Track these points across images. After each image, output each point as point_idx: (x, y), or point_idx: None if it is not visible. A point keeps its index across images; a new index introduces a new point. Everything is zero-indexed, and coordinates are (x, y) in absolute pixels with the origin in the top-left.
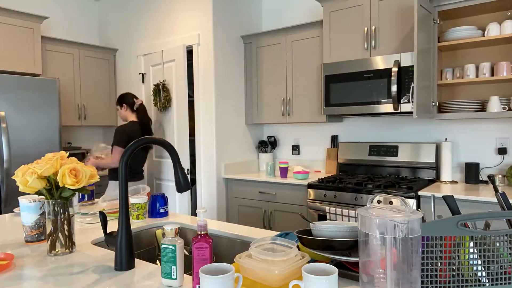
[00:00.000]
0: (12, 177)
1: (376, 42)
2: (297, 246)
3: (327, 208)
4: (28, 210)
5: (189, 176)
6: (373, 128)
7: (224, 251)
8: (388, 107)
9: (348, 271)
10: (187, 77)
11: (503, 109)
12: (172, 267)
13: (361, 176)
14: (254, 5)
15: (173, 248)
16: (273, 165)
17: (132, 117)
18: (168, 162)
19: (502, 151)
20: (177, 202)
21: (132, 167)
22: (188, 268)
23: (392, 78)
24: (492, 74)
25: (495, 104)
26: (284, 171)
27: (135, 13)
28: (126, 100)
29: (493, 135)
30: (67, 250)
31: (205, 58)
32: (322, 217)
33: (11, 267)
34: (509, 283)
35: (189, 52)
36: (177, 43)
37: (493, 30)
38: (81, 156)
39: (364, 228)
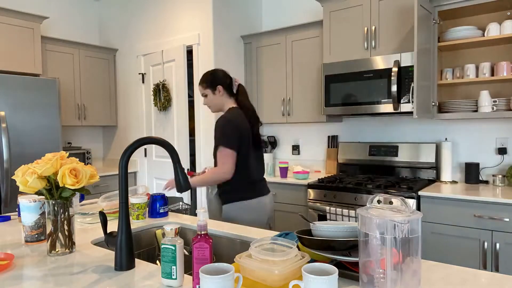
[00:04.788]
0: (12, 177)
1: (376, 42)
2: (297, 246)
3: (327, 208)
4: (28, 210)
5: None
6: (373, 128)
7: (224, 251)
8: (388, 107)
9: (348, 271)
10: (187, 77)
11: (493, 102)
12: (172, 267)
13: (361, 176)
14: (254, 5)
15: (173, 248)
16: (273, 165)
17: (231, 103)
18: (168, 162)
19: (502, 151)
20: None
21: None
22: (188, 268)
23: (392, 78)
24: (492, 74)
25: (485, 99)
26: (284, 171)
27: (135, 13)
28: (221, 79)
29: (493, 135)
30: (67, 250)
31: (205, 58)
32: (322, 217)
33: (11, 267)
34: None
35: (189, 52)
36: (177, 43)
37: (493, 30)
38: (82, 156)
39: (364, 228)
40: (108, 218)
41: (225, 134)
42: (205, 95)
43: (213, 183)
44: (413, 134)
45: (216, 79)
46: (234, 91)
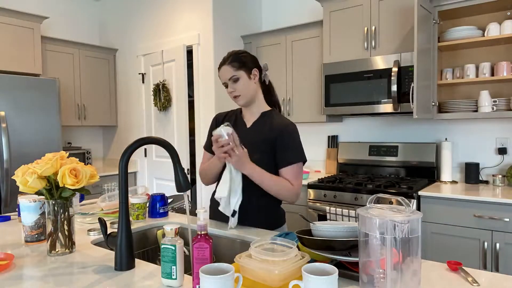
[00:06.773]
0: (12, 177)
1: (376, 42)
2: (297, 246)
3: (327, 208)
4: (28, 210)
5: (189, 176)
6: (373, 128)
7: (224, 251)
8: (388, 107)
9: (348, 271)
10: (187, 77)
11: (493, 102)
12: (172, 267)
13: (361, 176)
14: (254, 5)
15: (173, 248)
16: None
17: (262, 98)
18: (168, 162)
19: (502, 151)
20: None
21: None
22: (188, 268)
23: (392, 78)
24: (492, 74)
25: (485, 99)
26: None
27: (135, 13)
28: (256, 61)
29: (493, 135)
30: (67, 250)
31: (205, 58)
32: (322, 217)
33: (11, 267)
34: None
35: (189, 52)
36: (177, 43)
37: (493, 30)
38: (82, 156)
39: (364, 228)
40: (108, 218)
41: (300, 146)
42: (235, 79)
43: (276, 194)
44: (413, 134)
45: (252, 60)
46: (267, 82)
